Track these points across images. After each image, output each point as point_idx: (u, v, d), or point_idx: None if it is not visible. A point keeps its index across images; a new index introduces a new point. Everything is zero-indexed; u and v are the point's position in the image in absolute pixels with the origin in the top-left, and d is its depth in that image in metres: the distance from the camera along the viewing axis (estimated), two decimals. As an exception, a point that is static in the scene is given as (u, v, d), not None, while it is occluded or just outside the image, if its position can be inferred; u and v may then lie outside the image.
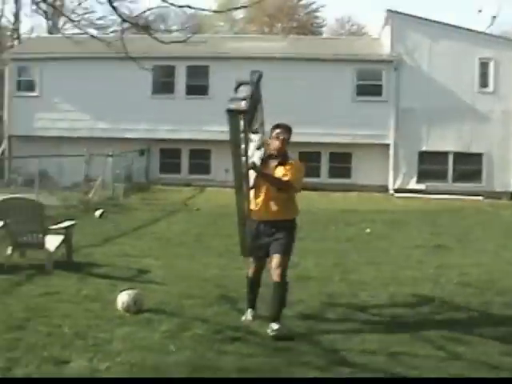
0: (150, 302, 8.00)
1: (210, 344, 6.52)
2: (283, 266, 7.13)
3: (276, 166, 7.26)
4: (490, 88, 27.15)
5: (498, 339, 7.30)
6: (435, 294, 9.30)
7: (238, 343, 6.60)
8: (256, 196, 7.33)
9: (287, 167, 7.20)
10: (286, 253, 7.21)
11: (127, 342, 6.51)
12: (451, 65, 26.52)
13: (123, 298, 7.64)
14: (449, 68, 26.53)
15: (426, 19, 27.37)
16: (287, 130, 7.33)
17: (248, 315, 7.50)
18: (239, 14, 67.92)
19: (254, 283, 7.58)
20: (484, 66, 27.08)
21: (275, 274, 7.09)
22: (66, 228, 10.75)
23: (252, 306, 7.58)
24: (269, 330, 6.90)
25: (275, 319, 7.00)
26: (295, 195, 7.46)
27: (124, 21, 8.34)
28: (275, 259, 7.15)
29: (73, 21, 34.67)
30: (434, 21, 27.33)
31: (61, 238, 10.49)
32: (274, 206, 7.27)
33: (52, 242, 10.23)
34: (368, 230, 16.15)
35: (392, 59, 26.95)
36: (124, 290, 7.91)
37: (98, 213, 17.21)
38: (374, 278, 10.34)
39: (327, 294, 8.96)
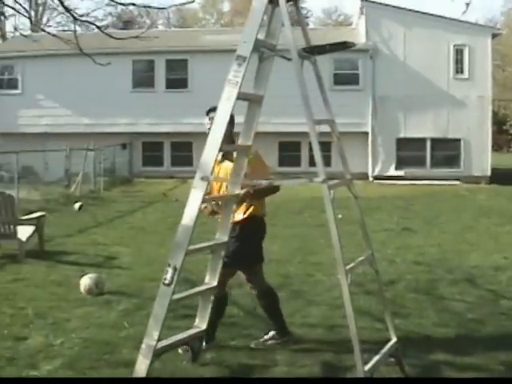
0: (113, 285, 8.46)
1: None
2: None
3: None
4: (465, 74, 27.52)
5: (436, 311, 7.72)
6: (387, 273, 9.76)
7: (188, 320, 7.01)
8: None
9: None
10: None
11: (84, 320, 6.97)
12: (426, 52, 26.84)
13: (85, 281, 8.10)
14: (424, 55, 26.86)
15: (400, 7, 27.66)
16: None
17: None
18: (226, 7, 68.45)
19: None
20: (459, 52, 27.44)
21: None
22: (36, 218, 11.19)
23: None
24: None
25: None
26: None
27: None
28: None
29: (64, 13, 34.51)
30: (408, 9, 27.70)
31: (32, 228, 10.93)
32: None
33: (24, 232, 10.68)
34: (340, 216, 16.42)
35: (367, 48, 27.27)
36: (87, 273, 8.38)
37: (76, 205, 17.62)
38: (334, 259, 10.71)
39: (283, 275, 9.40)
